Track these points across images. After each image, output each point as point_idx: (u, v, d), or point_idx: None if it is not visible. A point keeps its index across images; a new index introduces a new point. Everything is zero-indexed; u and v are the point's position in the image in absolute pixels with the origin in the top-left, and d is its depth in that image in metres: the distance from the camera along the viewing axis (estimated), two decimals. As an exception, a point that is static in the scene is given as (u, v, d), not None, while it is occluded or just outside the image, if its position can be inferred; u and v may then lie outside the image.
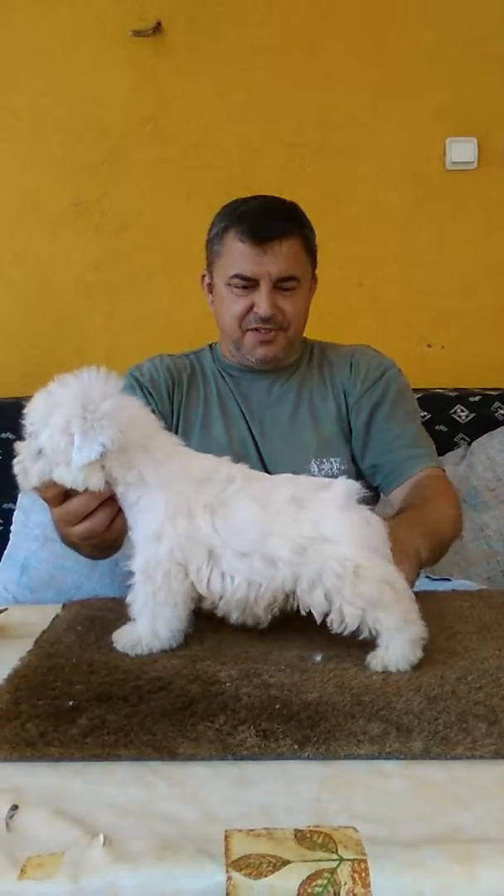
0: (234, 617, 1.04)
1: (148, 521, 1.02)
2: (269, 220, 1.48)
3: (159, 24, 2.24)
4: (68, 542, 1.26)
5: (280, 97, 2.33)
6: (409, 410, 1.60)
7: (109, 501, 1.06)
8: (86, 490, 1.02)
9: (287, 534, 0.98)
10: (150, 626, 1.01)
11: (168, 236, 2.33)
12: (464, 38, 2.32)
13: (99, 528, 1.07)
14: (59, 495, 1.06)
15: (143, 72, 2.30)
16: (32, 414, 1.02)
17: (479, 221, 2.38)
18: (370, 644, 0.97)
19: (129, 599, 1.05)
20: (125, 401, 1.04)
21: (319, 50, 2.32)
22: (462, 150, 2.32)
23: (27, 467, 1.03)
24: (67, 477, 1.00)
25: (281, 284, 1.49)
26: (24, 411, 1.04)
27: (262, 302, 1.48)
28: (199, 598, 1.04)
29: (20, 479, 1.05)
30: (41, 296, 2.34)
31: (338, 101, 2.34)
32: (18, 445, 1.04)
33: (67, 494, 1.05)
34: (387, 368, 1.62)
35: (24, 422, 1.04)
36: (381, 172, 2.36)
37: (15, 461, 1.04)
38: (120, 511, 1.07)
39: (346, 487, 1.01)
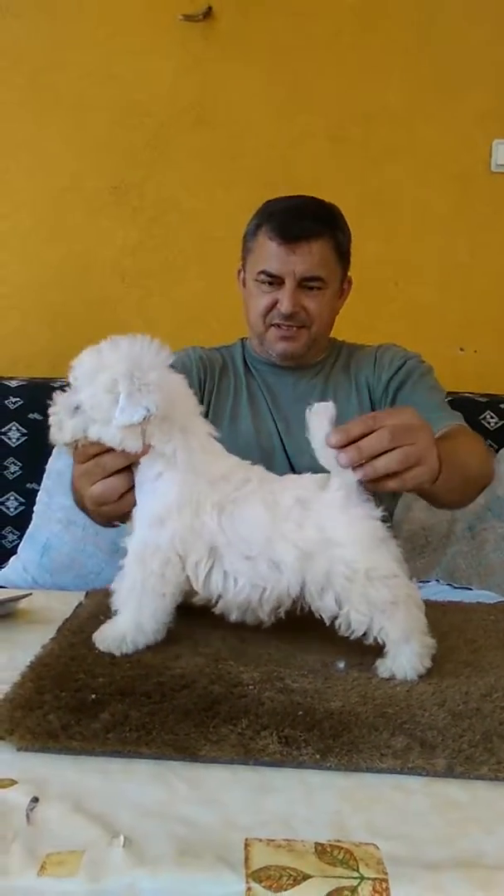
0: (234, 616, 1.03)
1: (156, 502, 1.01)
2: (299, 220, 1.50)
3: (210, 9, 2.23)
4: (81, 504, 1.26)
5: (324, 90, 2.30)
6: (433, 387, 1.59)
7: (129, 471, 1.05)
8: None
9: (292, 539, 0.97)
10: (134, 618, 0.99)
11: (205, 225, 2.32)
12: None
13: (115, 491, 1.06)
14: (88, 455, 1.05)
15: (190, 57, 2.28)
16: (78, 369, 1.01)
17: (520, 226, 2.35)
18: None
19: (113, 585, 1.03)
20: (173, 376, 1.03)
21: (366, 44, 2.29)
22: (509, 153, 2.28)
23: (62, 420, 1.02)
24: (106, 435, 1.00)
25: (306, 284, 1.51)
26: (71, 364, 1.02)
27: (284, 299, 1.50)
28: (190, 594, 1.02)
29: (53, 432, 1.04)
30: (75, 278, 2.34)
31: (383, 97, 2.31)
32: (57, 396, 1.04)
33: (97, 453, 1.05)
34: (410, 357, 1.63)
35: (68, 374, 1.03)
36: (424, 172, 2.33)
37: (51, 411, 1.04)
38: (133, 488, 1.06)
39: (345, 483, 0.98)
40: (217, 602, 1.02)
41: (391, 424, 0.98)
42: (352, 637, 0.97)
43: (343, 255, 1.57)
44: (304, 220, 1.50)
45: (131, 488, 1.06)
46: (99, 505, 1.10)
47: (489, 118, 2.30)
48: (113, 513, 1.13)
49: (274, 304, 1.53)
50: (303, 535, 0.97)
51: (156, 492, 1.02)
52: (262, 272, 1.52)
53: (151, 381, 0.98)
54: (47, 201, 2.32)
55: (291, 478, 1.05)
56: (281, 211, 1.53)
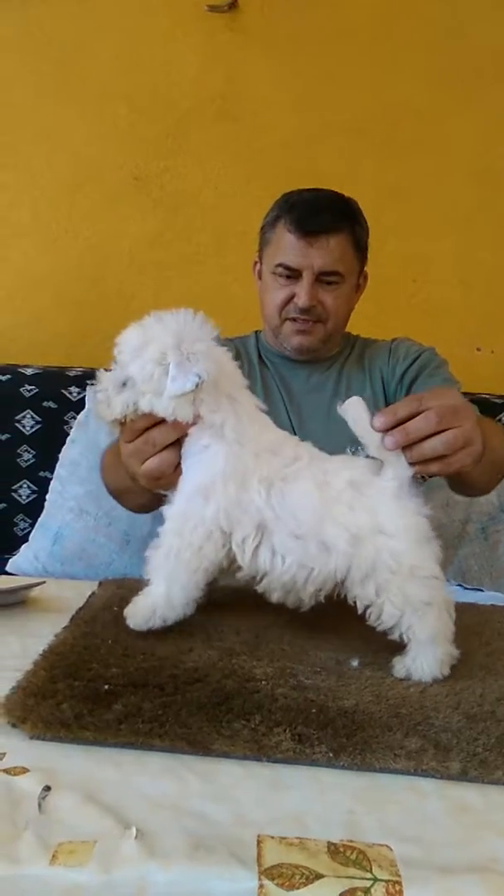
0: (276, 597, 1.01)
1: (202, 473, 1.00)
2: (318, 214, 1.49)
3: (235, 0, 2.21)
4: (120, 486, 1.24)
5: (347, 84, 2.28)
6: (447, 379, 1.58)
7: (178, 447, 1.04)
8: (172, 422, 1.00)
9: (343, 521, 0.95)
10: (165, 589, 0.98)
11: (224, 218, 2.31)
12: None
13: (171, 464, 1.04)
14: (136, 431, 1.04)
15: (214, 48, 2.26)
16: (124, 344, 1.00)
17: (542, 226, 2.32)
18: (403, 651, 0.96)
19: (147, 553, 1.02)
20: (218, 348, 1.02)
21: (390, 38, 2.27)
22: (531, 151, 2.26)
23: (110, 396, 1.02)
24: (158, 406, 0.99)
25: (324, 278, 1.51)
26: (116, 341, 1.01)
27: (302, 293, 1.50)
28: (225, 570, 1.01)
29: (101, 409, 1.03)
30: (93, 268, 2.34)
31: (405, 92, 2.29)
32: (102, 374, 1.03)
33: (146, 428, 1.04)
34: (424, 350, 1.63)
35: (114, 352, 1.02)
36: (444, 168, 2.31)
37: (98, 389, 1.03)
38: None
39: (400, 473, 0.97)
40: (261, 580, 1.00)
41: (438, 406, 0.96)
42: (379, 628, 0.96)
43: (361, 249, 1.56)
44: (323, 214, 1.49)
45: (180, 462, 1.05)
46: (155, 479, 1.07)
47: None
48: (168, 487, 1.12)
49: (291, 298, 1.52)
50: (354, 518, 0.95)
51: (202, 463, 1.00)
52: (280, 265, 1.51)
53: (199, 351, 0.97)
54: (67, 190, 2.32)
55: (343, 458, 1.02)
56: (300, 203, 1.52)
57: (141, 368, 0.98)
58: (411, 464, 0.96)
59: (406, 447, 0.96)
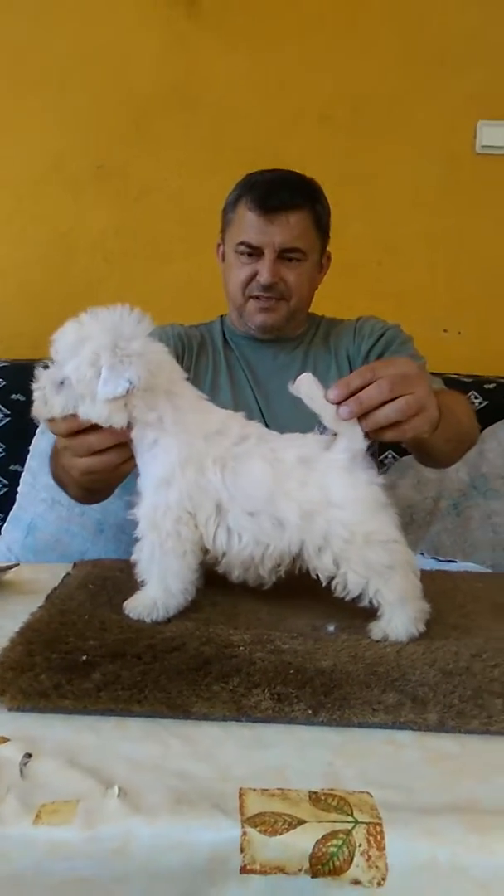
0: (236, 575, 1.03)
1: (159, 466, 1.00)
2: (279, 192, 1.51)
3: (194, -13, 2.21)
4: (62, 477, 1.25)
5: (311, 71, 2.29)
6: (413, 354, 1.59)
7: (124, 445, 1.04)
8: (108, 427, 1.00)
9: (295, 496, 0.97)
10: (161, 583, 0.99)
11: (189, 206, 2.30)
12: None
13: (107, 465, 1.05)
14: (70, 430, 1.03)
15: (174, 36, 2.26)
16: (60, 342, 0.99)
17: (505, 208, 2.36)
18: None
19: (134, 557, 1.02)
20: (154, 345, 1.02)
21: (355, 25, 2.28)
22: (494, 135, 2.29)
23: (47, 395, 1.01)
24: (92, 412, 0.98)
25: (286, 255, 1.52)
26: (52, 338, 1.00)
27: (264, 270, 1.51)
28: (205, 551, 1.02)
29: (38, 407, 1.02)
30: (59, 258, 2.32)
31: (371, 78, 2.30)
32: (40, 372, 1.02)
33: (80, 432, 1.03)
34: (389, 327, 1.64)
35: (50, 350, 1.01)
36: (410, 152, 2.33)
37: (35, 387, 1.02)
38: (129, 458, 1.05)
39: (351, 446, 0.98)
40: (221, 559, 1.01)
41: (390, 374, 0.97)
42: (347, 598, 0.97)
43: (322, 228, 1.57)
44: (283, 192, 1.51)
45: (128, 459, 1.05)
46: (90, 474, 1.08)
47: (475, 99, 2.30)
48: (103, 483, 1.12)
49: (253, 276, 1.53)
50: (305, 493, 0.96)
51: (156, 458, 1.01)
52: (242, 243, 1.52)
53: (134, 352, 0.97)
54: (30, 181, 2.30)
55: (295, 436, 1.03)
56: (261, 183, 1.53)
57: (76, 368, 0.97)
58: (366, 433, 0.98)
59: (361, 417, 0.97)
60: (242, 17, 2.26)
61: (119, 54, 2.27)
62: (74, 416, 1.00)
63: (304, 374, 0.99)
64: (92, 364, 0.96)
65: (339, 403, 0.96)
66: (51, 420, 1.03)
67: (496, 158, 2.32)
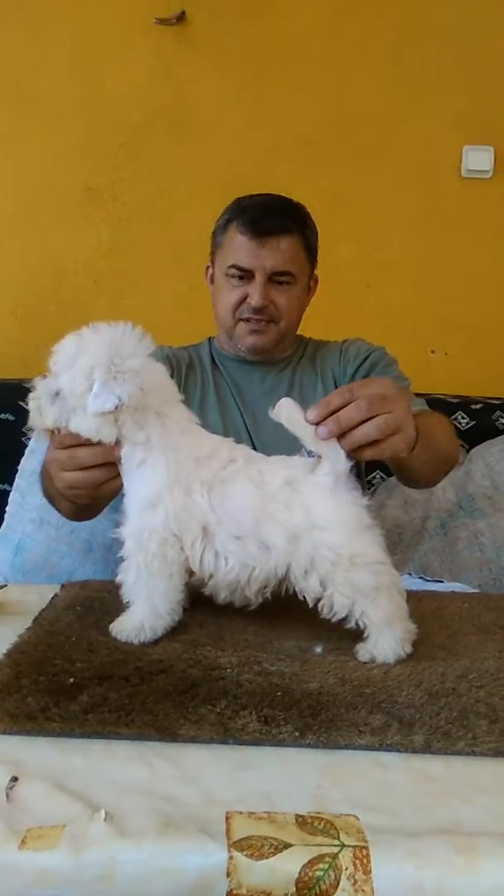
0: (223, 597, 1.03)
1: (145, 487, 1.01)
2: (269, 216, 1.53)
3: (184, 12, 2.25)
4: (50, 490, 1.25)
5: (298, 95, 2.34)
6: (397, 376, 1.60)
7: (112, 464, 1.04)
8: (97, 443, 1.01)
9: (280, 519, 0.97)
10: (147, 604, 0.99)
11: (178, 228, 2.33)
12: (489, 44, 2.33)
13: (92, 482, 1.06)
14: (63, 444, 1.04)
15: (164, 61, 2.30)
16: (59, 353, 1.00)
17: (490, 231, 2.39)
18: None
19: (119, 578, 1.02)
20: (153, 364, 1.02)
21: (341, 50, 2.33)
22: (479, 159, 2.34)
23: (42, 406, 1.02)
24: (83, 426, 0.99)
25: (276, 278, 1.54)
26: (52, 349, 1.01)
27: (255, 293, 1.52)
28: (191, 573, 1.02)
29: (33, 417, 1.03)
30: (49, 279, 2.34)
31: (357, 103, 2.35)
32: (37, 382, 1.03)
33: (72, 446, 1.04)
34: (374, 349, 1.65)
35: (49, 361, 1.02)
36: (396, 176, 2.38)
37: (31, 396, 1.03)
38: (115, 477, 1.05)
39: (334, 468, 0.98)
40: (208, 581, 1.01)
41: (368, 394, 0.99)
42: (333, 620, 0.97)
43: (311, 252, 1.60)
44: (274, 216, 1.53)
45: (114, 477, 1.06)
46: (74, 489, 1.09)
47: (460, 124, 2.34)
48: (88, 500, 1.12)
49: (244, 299, 1.54)
50: (290, 516, 0.97)
51: (143, 478, 1.01)
52: (233, 266, 1.54)
53: (129, 370, 0.97)
54: (21, 202, 2.32)
55: (281, 458, 1.04)
56: (251, 207, 1.55)
57: (71, 380, 0.98)
58: (346, 453, 0.98)
59: (340, 436, 0.98)
60: (231, 43, 2.30)
61: (109, 78, 2.30)
62: (68, 431, 1.01)
63: (284, 398, 1.00)
64: (86, 377, 0.97)
65: (318, 424, 0.97)
66: (50, 432, 1.04)
67: (481, 182, 2.37)
